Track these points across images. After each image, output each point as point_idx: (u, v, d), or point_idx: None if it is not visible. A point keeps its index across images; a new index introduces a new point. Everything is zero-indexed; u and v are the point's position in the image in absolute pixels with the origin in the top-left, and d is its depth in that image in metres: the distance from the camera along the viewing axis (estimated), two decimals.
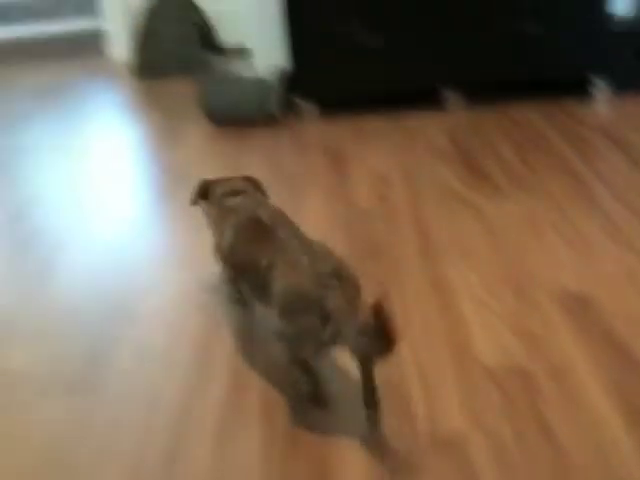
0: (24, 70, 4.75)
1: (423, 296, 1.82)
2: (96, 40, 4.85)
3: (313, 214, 2.33)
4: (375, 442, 1.39)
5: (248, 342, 1.73)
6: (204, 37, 4.40)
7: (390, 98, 3.29)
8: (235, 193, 1.78)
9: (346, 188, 2.50)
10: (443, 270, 1.93)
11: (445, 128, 2.99)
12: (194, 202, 1.88)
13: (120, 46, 4.77)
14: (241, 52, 4.53)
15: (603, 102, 3.08)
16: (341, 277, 1.41)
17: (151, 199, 2.59)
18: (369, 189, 2.48)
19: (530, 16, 3.00)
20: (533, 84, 3.22)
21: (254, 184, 1.88)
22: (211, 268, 2.04)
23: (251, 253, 1.57)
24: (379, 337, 1.27)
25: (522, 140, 2.77)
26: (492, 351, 1.60)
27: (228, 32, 4.69)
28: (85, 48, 4.90)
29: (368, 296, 1.79)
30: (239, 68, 3.54)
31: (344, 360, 1.60)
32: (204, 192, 1.86)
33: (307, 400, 1.50)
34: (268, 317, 1.57)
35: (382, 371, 1.56)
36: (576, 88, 3.13)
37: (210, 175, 1.94)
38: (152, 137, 3.23)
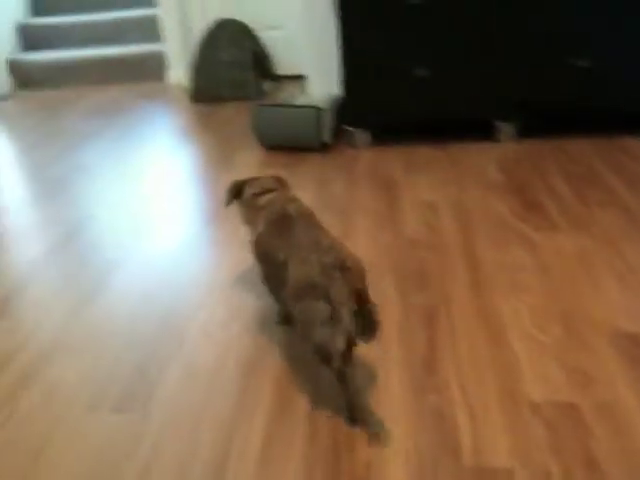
0: (88, 91, 4.92)
1: (472, 328, 1.81)
2: (157, 64, 5.00)
3: (362, 242, 2.35)
4: (420, 472, 1.38)
5: (294, 363, 1.74)
6: (260, 64, 4.50)
7: (441, 128, 3.30)
8: (265, 192, 1.91)
9: (396, 217, 2.51)
10: (493, 302, 1.92)
11: (497, 159, 2.98)
12: (228, 202, 2.01)
13: (179, 71, 4.92)
14: (295, 79, 4.62)
15: None
16: (344, 268, 1.50)
17: (202, 221, 2.64)
18: (419, 218, 2.48)
19: (585, 50, 2.99)
20: (588, 118, 3.20)
21: (281, 182, 2.02)
22: (259, 290, 2.07)
23: (272, 247, 1.70)
24: (365, 322, 1.47)
25: (576, 175, 2.74)
26: (540, 386, 1.58)
27: (283, 59, 4.79)
28: (146, 71, 5.05)
29: (417, 325, 1.80)
30: (293, 95, 3.60)
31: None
32: (237, 192, 1.99)
33: (346, 419, 1.53)
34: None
35: (428, 401, 1.56)
36: (632, 124, 3.10)
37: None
38: (206, 160, 3.30)
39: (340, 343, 1.46)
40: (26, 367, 1.83)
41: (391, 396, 1.59)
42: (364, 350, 1.75)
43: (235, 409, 1.60)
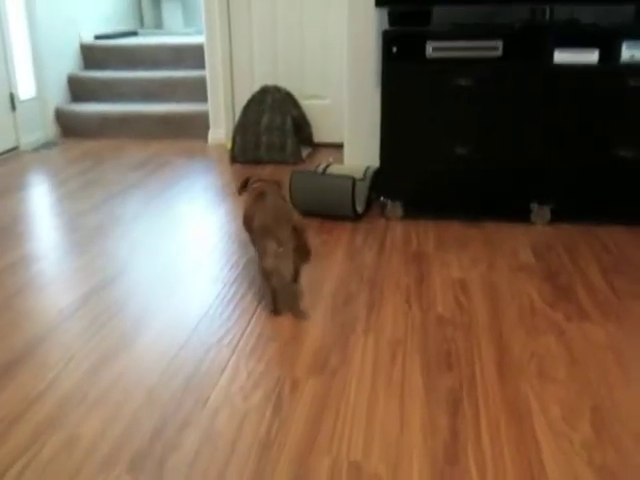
0: (130, 144, 5.06)
1: (496, 417, 1.77)
2: (200, 123, 5.14)
3: (389, 315, 2.33)
4: None
5: (313, 433, 1.71)
6: (299, 130, 4.59)
7: (475, 205, 3.31)
8: (259, 181, 2.64)
9: (424, 292, 2.50)
10: (519, 390, 1.88)
11: (530, 242, 2.97)
12: (239, 192, 2.70)
13: (220, 131, 5.04)
14: (333, 147, 4.69)
15: None
16: (290, 219, 2.27)
17: (232, 281, 2.65)
18: (448, 296, 2.47)
19: (629, 140, 3.00)
20: (623, 206, 3.18)
21: (275, 182, 2.68)
22: (283, 356, 2.06)
23: (251, 213, 2.45)
24: (302, 252, 2.25)
25: (611, 264, 2.72)
26: None
27: (323, 127, 4.89)
28: (189, 130, 5.18)
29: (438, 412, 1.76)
30: (329, 163, 3.66)
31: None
32: (245, 185, 2.68)
33: (268, 309, 2.37)
34: None
35: None
36: None
37: None
38: (239, 220, 3.34)
39: (284, 269, 2.25)
40: (47, 414, 1.83)
41: None
42: (386, 433, 1.72)
43: None
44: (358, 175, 3.40)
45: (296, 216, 2.35)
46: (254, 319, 2.34)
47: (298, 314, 2.34)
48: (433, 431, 1.72)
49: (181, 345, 2.18)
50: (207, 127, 5.10)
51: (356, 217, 3.29)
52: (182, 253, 2.97)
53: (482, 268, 2.71)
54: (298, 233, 2.23)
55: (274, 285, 2.32)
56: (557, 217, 3.19)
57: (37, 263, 2.88)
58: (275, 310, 2.36)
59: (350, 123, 3.76)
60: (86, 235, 3.19)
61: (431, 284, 2.58)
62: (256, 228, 2.34)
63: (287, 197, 2.80)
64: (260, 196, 2.46)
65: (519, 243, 2.97)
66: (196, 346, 2.17)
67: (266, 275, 2.29)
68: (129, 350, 2.16)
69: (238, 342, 2.19)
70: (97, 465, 1.64)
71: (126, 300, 2.51)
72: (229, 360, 2.09)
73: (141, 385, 1.97)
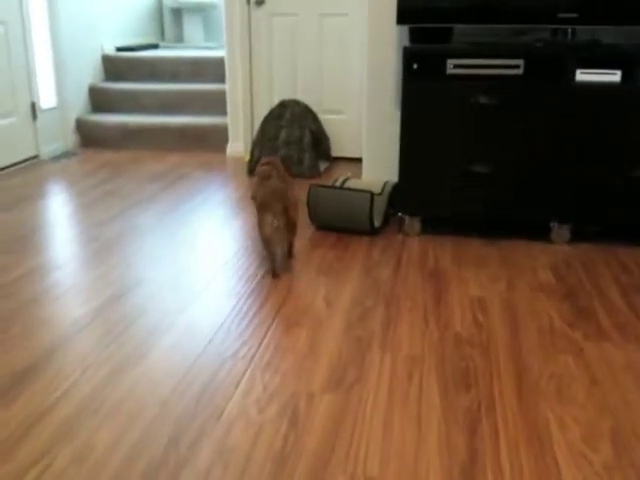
0: (149, 155, 5.08)
1: (515, 437, 1.74)
2: (219, 136, 5.16)
3: (406, 333, 2.31)
4: None
5: (328, 449, 1.69)
6: (317, 144, 4.60)
7: (494, 223, 3.29)
8: (266, 164, 2.98)
9: (442, 310, 2.48)
10: (538, 411, 1.85)
11: (549, 261, 2.94)
12: (249, 172, 3.66)
13: (239, 144, 5.06)
14: (351, 161, 4.69)
15: None
16: (285, 195, 2.72)
17: (248, 294, 2.64)
18: (466, 314, 2.44)
19: None
20: None
21: (282, 161, 3.10)
22: (301, 374, 2.04)
23: (255, 190, 2.87)
24: (289, 225, 2.79)
25: (630, 285, 2.68)
26: None
27: (341, 142, 4.90)
28: (207, 142, 5.21)
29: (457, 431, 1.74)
30: (347, 177, 3.65)
31: None
32: (254, 166, 3.28)
33: (270, 272, 2.78)
34: None
35: None
36: None
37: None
38: (255, 232, 3.33)
39: (276, 238, 2.76)
40: (60, 424, 1.82)
41: None
42: (402, 451, 1.69)
43: None
44: (376, 190, 3.39)
45: (289, 196, 2.75)
46: (270, 332, 2.33)
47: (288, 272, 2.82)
48: (450, 450, 1.69)
49: (196, 357, 2.17)
50: (225, 140, 5.12)
51: (373, 232, 3.27)
52: (198, 266, 2.96)
53: (501, 286, 2.68)
54: (287, 210, 2.71)
55: (273, 251, 2.78)
56: (576, 237, 3.16)
57: (54, 272, 2.88)
58: (274, 274, 2.78)
59: (369, 138, 3.76)
60: (103, 246, 3.20)
61: (449, 301, 2.55)
62: (258, 203, 2.76)
63: (288, 176, 3.08)
64: (265, 178, 2.84)
65: (538, 262, 2.94)
66: (211, 358, 2.16)
67: (265, 242, 2.75)
68: (143, 361, 2.15)
69: (254, 355, 2.18)
70: (109, 477, 1.62)
71: (141, 311, 2.51)
72: (244, 373, 2.07)
73: (155, 397, 1.95)
